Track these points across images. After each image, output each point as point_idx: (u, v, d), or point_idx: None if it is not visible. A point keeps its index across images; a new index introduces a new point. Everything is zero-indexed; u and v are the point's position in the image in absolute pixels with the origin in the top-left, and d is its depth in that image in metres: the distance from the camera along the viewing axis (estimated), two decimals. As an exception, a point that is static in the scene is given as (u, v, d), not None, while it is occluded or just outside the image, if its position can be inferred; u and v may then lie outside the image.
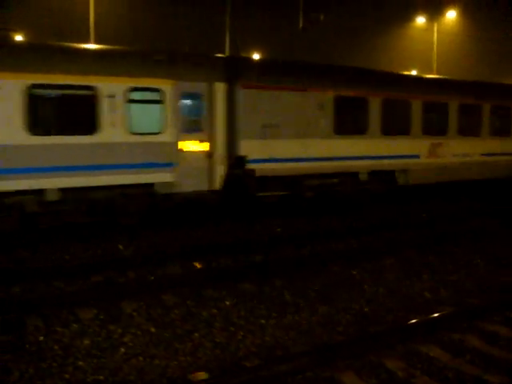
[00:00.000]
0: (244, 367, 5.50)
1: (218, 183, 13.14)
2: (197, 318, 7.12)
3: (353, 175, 15.57)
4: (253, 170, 13.62)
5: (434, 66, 44.15)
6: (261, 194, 14.11)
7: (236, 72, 13.59)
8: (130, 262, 9.59)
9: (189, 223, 13.14)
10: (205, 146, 12.92)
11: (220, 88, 13.10)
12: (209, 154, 12.96)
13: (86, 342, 6.30)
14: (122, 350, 6.11)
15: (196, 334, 6.56)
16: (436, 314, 6.95)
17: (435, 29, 45.12)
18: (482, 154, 18.65)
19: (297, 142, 14.34)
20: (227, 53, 29.72)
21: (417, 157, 16.86)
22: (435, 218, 14.55)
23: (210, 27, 38.48)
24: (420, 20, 46.25)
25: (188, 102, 12.85)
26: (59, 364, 5.72)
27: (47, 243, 10.97)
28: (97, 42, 25.71)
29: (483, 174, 18.64)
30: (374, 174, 15.93)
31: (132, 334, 6.56)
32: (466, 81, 20.69)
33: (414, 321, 6.72)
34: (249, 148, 13.51)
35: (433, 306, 7.65)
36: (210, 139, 12.99)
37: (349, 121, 15.56)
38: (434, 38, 45.13)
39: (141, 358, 5.89)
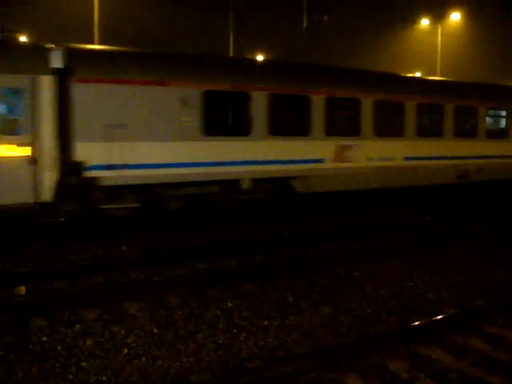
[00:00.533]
0: (247, 368, 5.50)
1: (47, 194, 11.09)
2: (200, 319, 7.12)
3: (234, 183, 13.47)
4: (93, 178, 11.56)
5: (438, 68, 44.12)
6: (106, 207, 11.99)
7: (69, 63, 11.50)
8: (134, 262, 9.61)
9: (192, 224, 13.15)
10: (25, 151, 10.88)
11: (46, 82, 11.09)
12: (32, 160, 10.93)
13: (89, 342, 6.32)
14: (125, 350, 6.12)
15: (199, 335, 6.56)
16: (439, 316, 6.95)
17: (439, 31, 45.11)
18: (407, 158, 16.35)
19: (154, 145, 12.16)
20: (231, 53, 29.74)
21: (320, 161, 14.63)
22: (437, 219, 14.52)
23: (213, 28, 38.54)
24: (424, 22, 46.27)
25: (3, 98, 10.95)
26: (62, 364, 5.73)
27: (51, 243, 11.01)
28: (101, 43, 25.75)
29: (409, 181, 16.46)
30: (263, 181, 13.83)
31: (135, 334, 6.57)
32: (388, 73, 18.81)
33: (416, 323, 6.72)
34: (89, 152, 11.43)
35: (436, 307, 7.64)
36: (33, 142, 10.95)
37: (223, 120, 13.45)
38: (438, 40, 45.11)
39: (144, 359, 5.90)
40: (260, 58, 34.59)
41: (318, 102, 14.51)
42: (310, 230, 13.10)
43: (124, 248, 10.98)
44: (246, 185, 13.49)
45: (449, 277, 9.27)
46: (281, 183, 14.32)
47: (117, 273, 9.11)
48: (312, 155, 14.47)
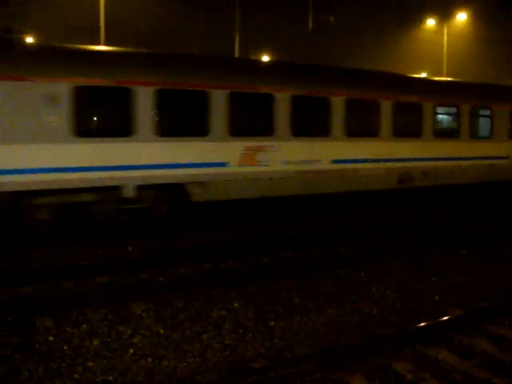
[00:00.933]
0: (252, 369, 5.51)
1: None
2: (205, 319, 7.14)
3: (114, 190, 11.71)
4: None
5: (444, 68, 44.01)
6: None
7: None
8: (139, 263, 9.64)
9: (197, 225, 13.17)
10: None
11: None
12: None
13: (96, 342, 6.34)
14: (131, 350, 6.14)
15: (205, 336, 6.58)
16: (445, 317, 6.93)
17: (445, 31, 45.00)
18: (336, 161, 14.45)
19: (13, 147, 10.61)
20: (237, 53, 29.75)
21: (222, 165, 12.82)
22: (443, 220, 14.50)
23: (218, 29, 38.60)
24: (430, 22, 46.17)
25: None
26: (69, 364, 5.76)
27: (56, 244, 11.05)
28: (107, 44, 25.83)
29: (338, 187, 14.63)
30: (153, 187, 12.11)
31: (141, 334, 6.59)
32: (311, 65, 16.20)
33: (422, 323, 6.70)
34: None
35: (441, 308, 7.62)
36: None
37: (99, 119, 12.03)
38: (444, 40, 45.01)
39: (150, 359, 5.92)
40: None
41: (219, 97, 12.61)
42: (314, 230, 13.10)
43: (130, 249, 11.01)
44: (128, 192, 11.73)
45: (455, 277, 9.25)
46: (176, 190, 12.51)
47: (122, 273, 9.14)
48: (212, 158, 12.63)
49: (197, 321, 7.07)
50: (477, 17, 45.42)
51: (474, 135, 17.61)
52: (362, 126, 15.38)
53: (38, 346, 6.21)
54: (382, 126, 15.35)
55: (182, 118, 12.64)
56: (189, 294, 8.04)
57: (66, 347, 6.18)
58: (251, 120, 13.74)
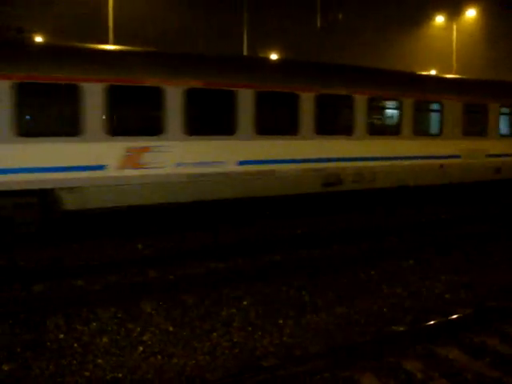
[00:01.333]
0: (262, 367, 5.50)
1: None
2: (215, 317, 7.14)
3: None
4: None
5: (454, 65, 43.79)
6: None
7: None
8: (149, 261, 9.66)
9: (206, 223, 13.18)
10: None
11: None
12: None
13: (105, 340, 6.37)
14: (141, 348, 6.16)
15: (214, 334, 6.58)
16: (455, 316, 6.90)
17: (454, 27, 44.77)
18: (243, 162, 12.76)
19: None
20: (245, 53, 29.75)
21: (98, 168, 11.19)
22: (454, 219, 14.43)
23: (227, 28, 38.63)
24: (439, 19, 45.94)
25: None
26: (79, 361, 5.79)
27: (67, 243, 11.10)
28: (116, 43, 25.91)
29: (247, 191, 12.88)
30: (11, 194, 10.49)
31: (151, 332, 6.60)
32: (214, 56, 13.96)
33: (432, 322, 6.68)
34: None
35: (452, 307, 7.58)
36: None
37: None
38: (453, 36, 44.78)
39: (159, 357, 5.94)
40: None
41: (94, 92, 11.02)
42: (325, 229, 13.07)
43: (140, 247, 11.04)
44: None
45: (465, 276, 9.20)
46: (45, 197, 10.94)
47: (132, 272, 9.17)
48: (85, 161, 11.05)
49: (206, 319, 7.08)
50: (486, 13, 45.12)
51: (420, 132, 15.81)
52: (276, 122, 13.71)
53: (48, 343, 6.25)
54: (300, 122, 13.46)
55: (48, 116, 11.08)
56: (198, 292, 8.05)
57: (76, 345, 6.21)
58: (136, 118, 12.06)
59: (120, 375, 5.52)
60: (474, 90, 17.66)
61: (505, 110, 17.98)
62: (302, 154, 13.52)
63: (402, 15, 46.06)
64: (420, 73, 19.69)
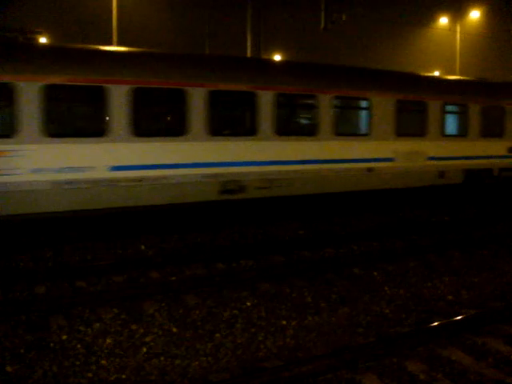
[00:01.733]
0: (265, 368, 5.51)
1: None
2: (218, 318, 7.15)
3: None
4: None
5: (457, 67, 43.74)
6: None
7: None
8: (152, 262, 9.67)
9: (211, 225, 13.19)
10: None
11: None
12: None
13: (109, 341, 6.38)
14: (144, 349, 6.17)
15: (217, 335, 6.59)
16: (458, 317, 6.89)
17: (458, 29, 44.73)
18: (117, 167, 11.11)
19: None
20: (249, 54, 29.77)
21: None
22: (457, 221, 14.41)
23: (231, 28, 38.67)
24: (443, 20, 45.91)
25: None
26: (82, 362, 5.80)
27: (70, 243, 11.12)
28: (120, 45, 25.95)
29: (122, 200, 11.30)
30: None
31: (154, 333, 6.61)
32: (107, 50, 12.26)
33: (435, 323, 6.67)
34: None
35: (455, 308, 7.58)
36: None
37: None
38: (457, 38, 44.73)
39: (162, 358, 5.94)
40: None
41: None
42: (327, 230, 13.06)
43: (142, 248, 11.05)
44: None
45: (468, 277, 9.19)
46: None
47: (135, 272, 9.18)
48: None
49: (209, 320, 7.08)
50: (490, 15, 45.07)
51: (342, 132, 14.13)
52: (159, 122, 12.32)
53: (51, 344, 6.26)
54: (189, 122, 11.85)
55: None
56: (201, 293, 8.06)
57: (79, 346, 6.22)
58: None
59: (123, 376, 5.53)
60: (410, 85, 15.87)
61: (450, 108, 16.22)
62: (191, 158, 11.94)
63: (407, 16, 46.07)
64: (343, 64, 17.53)
